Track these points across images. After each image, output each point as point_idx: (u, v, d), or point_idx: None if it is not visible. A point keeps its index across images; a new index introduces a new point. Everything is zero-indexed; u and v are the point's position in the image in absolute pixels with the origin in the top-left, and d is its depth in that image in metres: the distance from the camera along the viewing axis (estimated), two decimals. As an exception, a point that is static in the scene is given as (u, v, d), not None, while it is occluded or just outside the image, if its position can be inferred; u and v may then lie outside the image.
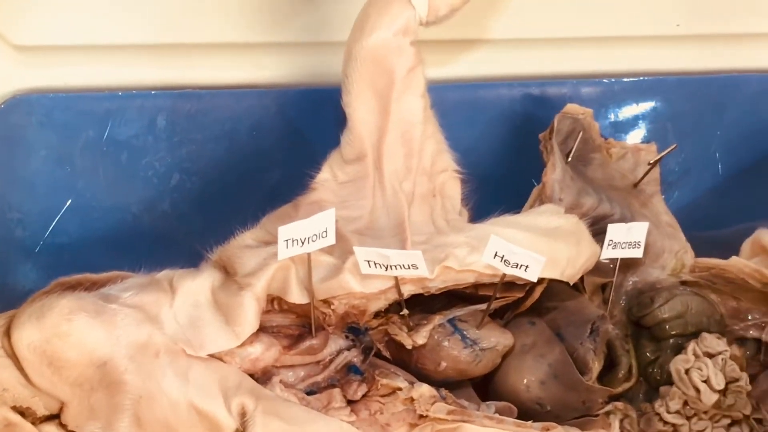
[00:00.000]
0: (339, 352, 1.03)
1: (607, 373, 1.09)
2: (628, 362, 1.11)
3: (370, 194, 1.05)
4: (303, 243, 0.96)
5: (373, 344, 1.03)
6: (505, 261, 0.97)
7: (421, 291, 1.01)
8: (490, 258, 0.98)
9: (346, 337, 1.04)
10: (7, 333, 0.91)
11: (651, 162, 1.17)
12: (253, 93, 1.19)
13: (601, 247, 1.07)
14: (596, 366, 1.05)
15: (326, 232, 0.96)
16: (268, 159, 1.20)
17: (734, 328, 1.15)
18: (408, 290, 1.00)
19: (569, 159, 1.15)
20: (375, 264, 0.97)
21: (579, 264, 1.03)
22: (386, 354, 1.04)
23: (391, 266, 0.97)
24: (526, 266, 0.98)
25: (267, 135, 1.19)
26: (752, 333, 1.15)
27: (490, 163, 1.16)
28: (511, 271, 0.98)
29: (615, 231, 1.07)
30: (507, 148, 1.26)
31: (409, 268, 0.97)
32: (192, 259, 1.02)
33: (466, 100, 1.21)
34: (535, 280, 0.99)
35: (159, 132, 1.17)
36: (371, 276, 0.98)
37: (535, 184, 1.14)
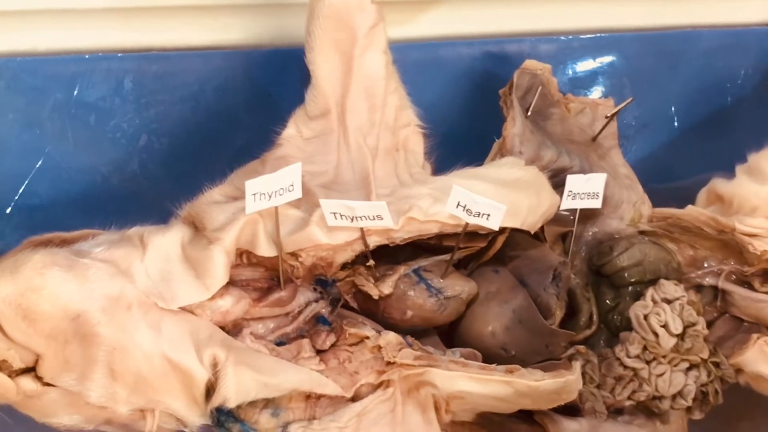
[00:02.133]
0: (307, 304, 1.05)
1: (568, 321, 1.13)
2: (589, 309, 1.14)
3: (335, 149, 1.07)
4: (270, 197, 0.98)
5: (341, 295, 1.06)
6: (467, 210, 1.00)
7: (386, 242, 1.03)
8: (453, 208, 1.00)
9: (314, 289, 1.06)
10: (-19, 289, 0.93)
11: (608, 115, 1.20)
12: (219, 54, 1.20)
13: (561, 198, 1.10)
14: (559, 312, 1.08)
15: (293, 186, 0.98)
16: (235, 119, 1.21)
17: (691, 276, 1.18)
18: (373, 241, 1.03)
19: (529, 113, 1.17)
20: (341, 216, 0.99)
21: (539, 213, 1.06)
22: (353, 305, 1.07)
23: (356, 218, 0.99)
24: (488, 215, 1.00)
25: (233, 96, 1.21)
26: (708, 280, 1.19)
27: (452, 121, 1.18)
28: (473, 220, 1.00)
29: (574, 182, 1.10)
30: (467, 105, 1.28)
31: (374, 219, 0.99)
32: (161, 218, 1.03)
33: (426, 59, 1.23)
34: (497, 229, 1.01)
35: (126, 94, 1.18)
36: (337, 228, 1.01)
37: (496, 139, 1.17)
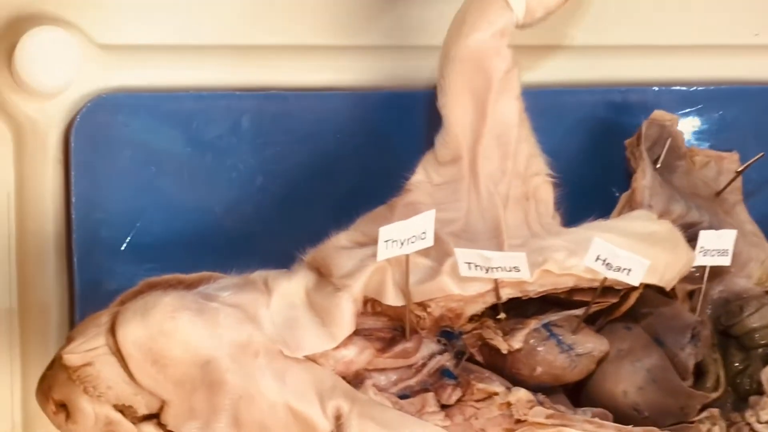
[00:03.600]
0: (431, 356, 1.01)
1: (695, 383, 1.07)
2: (716, 371, 1.09)
3: (465, 197, 1.03)
4: (402, 244, 0.94)
5: (466, 348, 1.02)
6: (607, 264, 0.96)
7: (519, 294, 0.99)
8: (592, 261, 0.96)
9: (439, 341, 1.02)
10: (112, 330, 0.89)
11: (738, 170, 1.16)
12: (338, 95, 1.16)
13: (693, 254, 1.05)
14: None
15: (425, 234, 0.94)
16: (352, 162, 1.17)
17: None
18: (506, 293, 0.99)
19: (658, 165, 1.14)
20: (475, 266, 0.96)
21: (676, 269, 1.02)
22: (479, 358, 1.03)
23: (491, 269, 0.96)
24: (629, 270, 0.96)
25: (351, 138, 1.17)
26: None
27: (571, 170, 1.12)
28: (612, 275, 0.97)
29: (707, 238, 1.06)
30: (587, 154, 1.24)
31: (510, 270, 0.96)
32: (274, 261, 1.01)
33: (546, 106, 1.18)
34: (637, 285, 0.98)
35: (243, 133, 1.14)
36: (469, 278, 0.97)
37: (616, 192, 1.14)
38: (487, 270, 0.96)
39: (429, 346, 1.02)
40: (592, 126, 1.24)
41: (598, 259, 0.96)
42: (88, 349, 0.91)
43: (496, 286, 0.98)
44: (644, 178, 1.11)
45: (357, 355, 0.98)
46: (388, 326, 1.01)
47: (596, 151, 1.23)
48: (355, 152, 1.18)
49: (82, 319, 0.96)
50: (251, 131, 1.15)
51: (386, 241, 0.94)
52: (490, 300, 0.99)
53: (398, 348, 1.00)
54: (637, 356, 1.03)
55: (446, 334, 1.02)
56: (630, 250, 0.97)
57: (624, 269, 0.96)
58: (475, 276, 0.97)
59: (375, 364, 0.99)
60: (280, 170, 1.16)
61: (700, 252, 1.06)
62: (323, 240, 1.02)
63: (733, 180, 1.18)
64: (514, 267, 0.96)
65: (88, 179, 1.11)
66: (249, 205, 1.16)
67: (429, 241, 0.95)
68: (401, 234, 0.94)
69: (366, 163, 1.18)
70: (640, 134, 1.15)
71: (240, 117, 1.15)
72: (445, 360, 1.02)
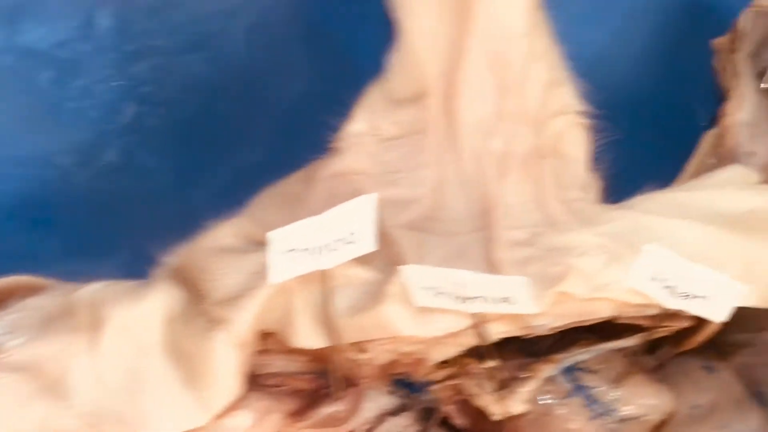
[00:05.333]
0: (381, 418, 0.65)
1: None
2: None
3: (434, 159, 0.65)
4: (316, 253, 0.59)
5: (437, 406, 0.66)
6: (669, 288, 0.58)
7: (519, 333, 0.62)
8: (644, 281, 0.59)
9: (394, 393, 0.66)
10: None
11: None
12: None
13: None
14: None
15: (358, 233, 0.59)
16: (274, 79, 0.80)
17: None
18: (498, 332, 0.61)
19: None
20: (439, 294, 0.58)
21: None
22: (460, 422, 0.66)
23: (467, 298, 0.58)
24: (707, 297, 0.58)
25: (270, 40, 0.79)
26: None
27: (624, 99, 0.75)
28: (680, 305, 0.59)
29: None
30: (650, 68, 0.83)
31: (499, 302, 0.58)
32: (149, 249, 0.66)
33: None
34: (721, 320, 0.60)
35: (101, 37, 0.77)
36: (434, 310, 0.59)
37: (706, 128, 0.75)
38: (461, 300, 0.58)
39: (378, 402, 0.66)
40: (658, 20, 0.84)
41: (654, 278, 0.57)
42: None
43: (480, 322, 0.60)
44: (741, 109, 0.72)
45: (254, 426, 0.64)
46: (309, 371, 0.66)
47: (665, 63, 0.83)
48: (276, 64, 0.80)
49: None
50: (113, 34, 0.78)
51: (284, 251, 0.55)
52: (470, 342, 0.62)
53: (323, 412, 0.65)
54: (723, 419, 0.66)
55: (406, 384, 0.66)
56: (712, 250, 0.61)
57: (697, 296, 0.58)
58: (441, 306, 0.59)
59: (289, 437, 0.64)
60: (162, 95, 0.80)
61: None
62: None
63: None
64: (505, 298, 0.56)
65: None
66: (112, 153, 0.80)
67: (366, 245, 0.59)
68: (312, 238, 0.59)
69: (294, 80, 0.80)
70: (735, 31, 0.75)
71: (93, 12, 0.78)
72: (404, 425, 0.66)
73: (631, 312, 0.61)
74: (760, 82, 0.73)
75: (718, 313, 0.59)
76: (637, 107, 0.81)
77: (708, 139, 0.74)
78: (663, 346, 0.68)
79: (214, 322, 0.61)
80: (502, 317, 0.60)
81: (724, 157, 0.71)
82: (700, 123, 0.75)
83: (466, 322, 0.60)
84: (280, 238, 0.57)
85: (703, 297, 0.58)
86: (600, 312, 0.61)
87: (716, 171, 0.69)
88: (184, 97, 0.80)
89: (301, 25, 0.79)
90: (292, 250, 0.58)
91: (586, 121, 0.67)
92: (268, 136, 0.78)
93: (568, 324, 0.61)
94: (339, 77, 0.70)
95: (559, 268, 0.60)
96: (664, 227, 0.62)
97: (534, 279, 0.61)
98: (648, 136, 0.79)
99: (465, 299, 0.58)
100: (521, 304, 0.58)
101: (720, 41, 0.76)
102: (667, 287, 0.58)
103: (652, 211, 0.64)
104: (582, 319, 0.61)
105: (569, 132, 0.67)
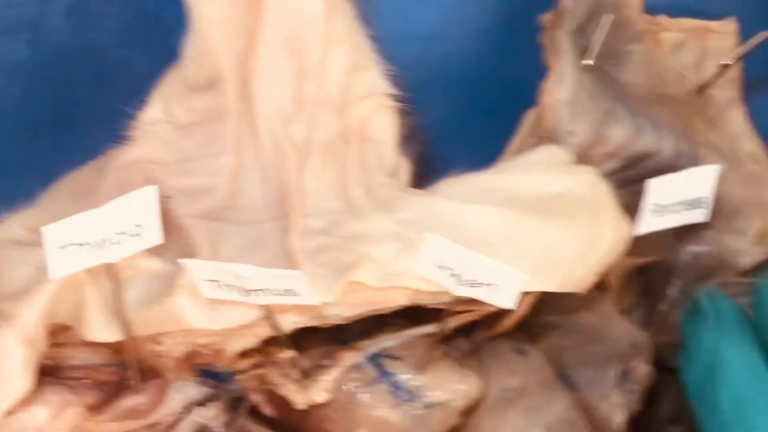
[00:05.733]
0: (188, 409, 0.63)
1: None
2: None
3: (232, 147, 0.63)
4: (97, 246, 0.56)
5: (245, 396, 0.63)
6: (455, 276, 0.55)
7: (314, 323, 0.60)
8: (431, 268, 0.56)
9: (202, 383, 0.63)
10: None
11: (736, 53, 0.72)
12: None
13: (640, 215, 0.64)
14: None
15: (143, 225, 0.56)
16: (97, 61, 0.75)
17: None
18: (291, 322, 0.60)
19: (589, 60, 0.70)
20: (225, 286, 0.54)
21: (595, 259, 0.61)
22: (268, 411, 0.64)
23: (251, 291, 0.56)
24: (495, 285, 0.55)
25: (96, 22, 0.75)
26: None
27: (458, 68, 0.73)
28: (465, 292, 0.58)
29: (661, 189, 0.64)
30: (486, 39, 0.79)
31: (282, 294, 0.55)
32: None
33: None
34: (510, 307, 0.58)
35: None
36: (223, 302, 0.57)
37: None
38: (246, 292, 0.55)
39: (184, 392, 0.64)
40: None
41: (440, 266, 0.55)
42: None
43: (270, 313, 0.57)
44: (561, 87, 0.69)
45: (51, 420, 0.60)
46: (112, 362, 0.63)
47: (499, 40, 0.79)
48: (101, 48, 0.75)
49: None
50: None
51: (63, 246, 0.53)
52: (266, 332, 0.59)
53: (125, 404, 0.62)
54: (532, 403, 0.64)
55: (212, 374, 0.63)
56: (512, 236, 0.59)
57: (485, 284, 0.55)
58: (227, 299, 0.57)
59: (90, 430, 0.61)
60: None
61: (654, 212, 0.65)
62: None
63: (725, 69, 0.75)
64: (288, 290, 0.54)
65: None
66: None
67: (151, 238, 0.57)
68: (92, 231, 0.56)
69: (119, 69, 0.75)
70: (560, 6, 0.72)
71: None
72: (211, 415, 0.63)
73: (426, 299, 0.59)
74: (583, 60, 0.71)
75: (504, 300, 0.57)
76: (470, 86, 0.79)
77: (529, 117, 0.71)
78: (477, 327, 0.67)
79: (0, 318, 0.59)
80: (294, 308, 0.58)
81: (543, 137, 0.68)
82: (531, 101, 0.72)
83: (257, 314, 0.58)
84: (56, 232, 0.55)
85: (489, 284, 0.56)
86: (395, 300, 0.59)
87: (530, 151, 0.67)
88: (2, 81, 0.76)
89: (124, 6, 0.76)
90: (72, 244, 0.56)
91: (394, 104, 0.64)
92: (92, 120, 0.75)
93: (363, 313, 0.59)
94: (164, 58, 0.67)
95: (353, 256, 0.58)
96: (463, 213, 0.60)
97: (328, 268, 0.59)
98: (480, 115, 0.77)
99: (250, 291, 0.56)
100: (304, 295, 0.56)
101: (546, 17, 0.72)
102: (454, 275, 0.56)
103: (455, 196, 0.61)
104: (376, 307, 0.59)
105: (376, 116, 0.64)
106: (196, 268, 0.56)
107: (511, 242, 0.59)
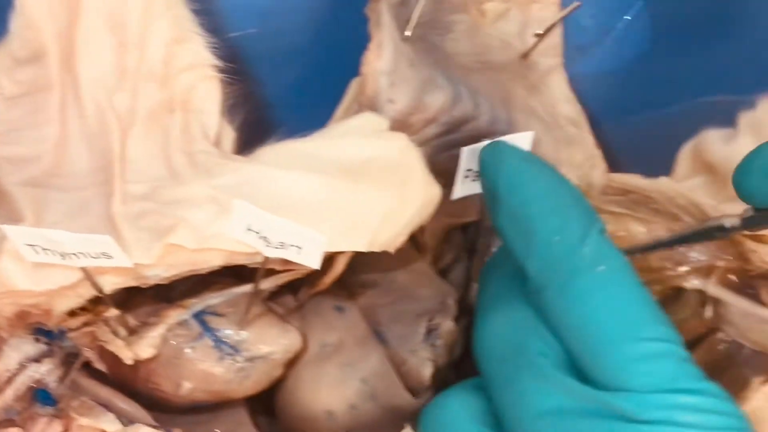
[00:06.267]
0: (23, 365, 0.66)
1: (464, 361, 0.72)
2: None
3: (57, 116, 0.65)
4: None
5: (79, 351, 0.66)
6: (264, 238, 0.58)
7: (134, 283, 0.63)
8: (241, 231, 0.59)
9: (37, 339, 0.66)
10: None
11: (540, 32, 0.76)
12: None
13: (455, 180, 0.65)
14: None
15: None
16: None
17: (666, 274, 0.75)
18: (112, 283, 0.62)
19: (408, 32, 0.73)
20: (43, 249, 0.57)
21: (403, 221, 0.64)
22: (101, 366, 0.67)
23: (67, 254, 0.59)
24: (299, 247, 0.58)
25: None
26: (693, 281, 0.76)
27: (294, 39, 0.74)
28: (276, 253, 0.60)
29: (473, 155, 0.67)
30: (320, 11, 0.81)
31: (97, 257, 0.58)
32: None
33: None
34: (316, 267, 0.61)
35: None
36: (48, 265, 0.60)
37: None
38: (63, 256, 0.58)
39: (20, 350, 0.67)
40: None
41: (249, 229, 0.58)
42: None
43: (89, 275, 0.60)
44: (380, 58, 0.71)
45: None
46: None
47: (324, 11, 0.81)
48: None
49: None
50: None
51: None
52: (89, 293, 0.62)
53: None
54: (348, 357, 0.67)
55: (45, 332, 0.66)
56: (321, 200, 0.62)
57: (291, 246, 0.58)
58: (48, 262, 0.59)
59: None
60: None
61: (467, 177, 0.66)
62: None
63: (545, 34, 0.78)
64: (103, 253, 0.57)
65: None
66: None
67: None
68: None
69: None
70: None
71: None
72: (45, 371, 0.66)
73: (242, 259, 0.62)
74: (404, 31, 0.74)
75: (310, 260, 0.60)
76: (306, 57, 0.81)
77: (353, 86, 0.75)
78: (303, 284, 0.71)
79: None
80: (113, 269, 0.61)
81: (365, 104, 0.70)
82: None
83: (79, 276, 0.62)
84: None
85: (294, 246, 0.60)
86: (211, 261, 0.62)
87: (348, 118, 0.70)
88: None
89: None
90: None
91: (218, 74, 0.68)
92: None
93: (181, 273, 0.62)
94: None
95: (171, 220, 0.61)
96: (276, 178, 0.62)
97: (148, 232, 0.62)
98: (315, 84, 0.79)
99: (68, 255, 0.59)
100: (117, 258, 0.59)
101: (370, -10, 0.76)
102: (262, 238, 0.60)
103: (272, 162, 0.64)
104: (194, 268, 0.62)
105: (199, 86, 0.66)
106: (13, 234, 0.58)
107: (320, 206, 0.62)
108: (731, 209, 0.69)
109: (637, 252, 0.69)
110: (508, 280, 0.54)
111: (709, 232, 0.61)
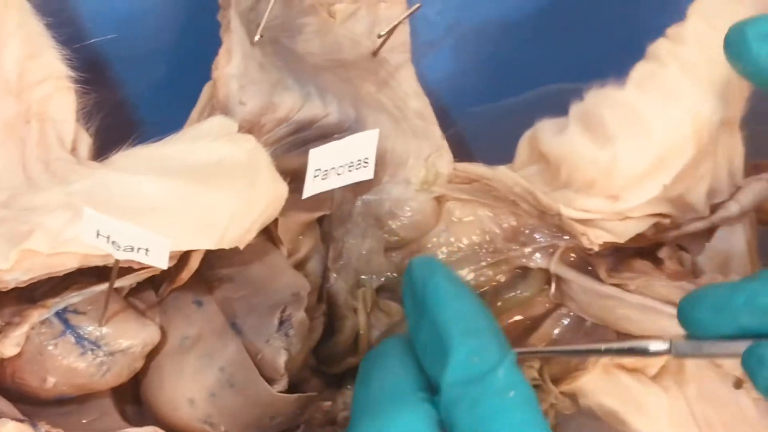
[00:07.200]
0: None
1: (325, 341, 0.78)
2: (355, 326, 0.78)
3: None
4: None
5: None
6: (113, 243, 0.62)
7: None
8: (93, 237, 0.63)
9: None
10: None
11: (385, 32, 0.80)
12: None
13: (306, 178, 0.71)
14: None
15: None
16: None
17: (513, 254, 0.81)
18: None
19: (257, 37, 0.77)
20: None
21: (250, 219, 0.69)
22: None
23: None
24: (146, 249, 0.63)
25: None
26: (538, 260, 0.82)
27: (157, 44, 0.77)
28: (125, 255, 0.64)
29: (320, 156, 0.72)
30: (182, 17, 0.86)
31: (-42, 264, 0.62)
32: None
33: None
34: (164, 267, 0.65)
35: None
36: None
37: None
38: None
39: None
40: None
41: (99, 234, 0.62)
42: None
43: None
44: (229, 63, 0.75)
45: None
46: None
47: (186, 17, 0.86)
48: None
49: None
50: None
51: None
52: None
53: None
54: (207, 348, 0.72)
55: None
56: (170, 203, 0.67)
57: (139, 248, 0.63)
58: None
59: None
60: None
61: (317, 176, 0.72)
62: None
63: (390, 32, 0.83)
64: None
65: None
66: None
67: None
68: None
69: None
70: None
71: None
72: None
73: (97, 261, 0.66)
74: (255, 36, 0.76)
75: (158, 261, 0.65)
76: (169, 61, 0.85)
77: (206, 89, 0.78)
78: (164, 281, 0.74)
79: None
80: (-31, 273, 0.65)
81: (217, 107, 0.74)
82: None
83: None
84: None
85: (141, 249, 0.64)
86: (67, 264, 0.65)
87: (200, 123, 0.74)
88: None
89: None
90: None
91: (72, 84, 0.72)
92: None
93: (39, 276, 0.66)
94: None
95: (27, 226, 0.65)
96: (127, 183, 0.66)
97: (6, 238, 0.65)
98: (178, 88, 0.81)
99: (-74, 264, 0.63)
100: (-22, 264, 0.63)
101: (221, -1, 0.80)
102: (112, 242, 0.64)
103: (124, 167, 0.68)
104: (51, 270, 0.65)
105: (55, 96, 0.70)
106: None
107: (169, 207, 0.66)
108: (562, 197, 0.75)
109: (539, 353, 0.75)
110: (400, 378, 0.58)
111: (631, 351, 0.65)
